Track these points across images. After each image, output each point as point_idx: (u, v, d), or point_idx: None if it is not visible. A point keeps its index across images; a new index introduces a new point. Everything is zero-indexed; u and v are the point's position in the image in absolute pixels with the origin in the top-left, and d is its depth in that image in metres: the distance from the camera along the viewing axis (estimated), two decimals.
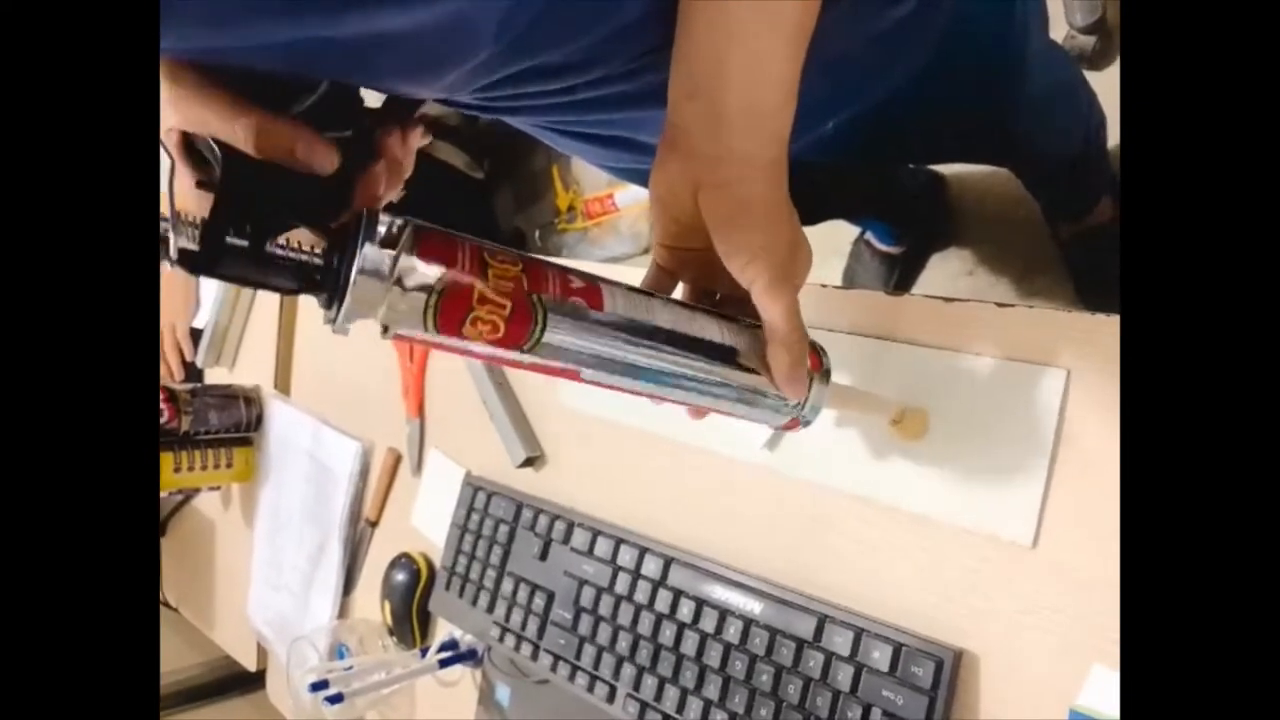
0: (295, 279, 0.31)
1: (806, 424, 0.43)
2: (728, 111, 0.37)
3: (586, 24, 0.39)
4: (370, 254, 0.30)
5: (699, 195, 0.39)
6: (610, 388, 0.38)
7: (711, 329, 0.39)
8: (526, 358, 0.34)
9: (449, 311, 0.31)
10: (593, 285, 0.35)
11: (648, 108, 0.46)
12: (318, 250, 0.32)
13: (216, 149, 0.32)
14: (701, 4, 0.36)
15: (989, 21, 0.60)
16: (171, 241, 0.30)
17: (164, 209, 0.30)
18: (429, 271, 0.31)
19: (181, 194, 0.34)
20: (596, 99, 0.46)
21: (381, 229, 0.31)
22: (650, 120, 0.49)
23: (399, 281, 0.30)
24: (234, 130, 0.32)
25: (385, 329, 0.32)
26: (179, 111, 0.33)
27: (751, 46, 0.36)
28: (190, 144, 0.33)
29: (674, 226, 0.42)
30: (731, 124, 0.37)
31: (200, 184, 0.32)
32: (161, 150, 0.32)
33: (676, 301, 0.40)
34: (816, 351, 0.43)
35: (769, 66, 0.37)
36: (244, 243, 0.30)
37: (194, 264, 0.30)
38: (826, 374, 0.42)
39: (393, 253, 0.31)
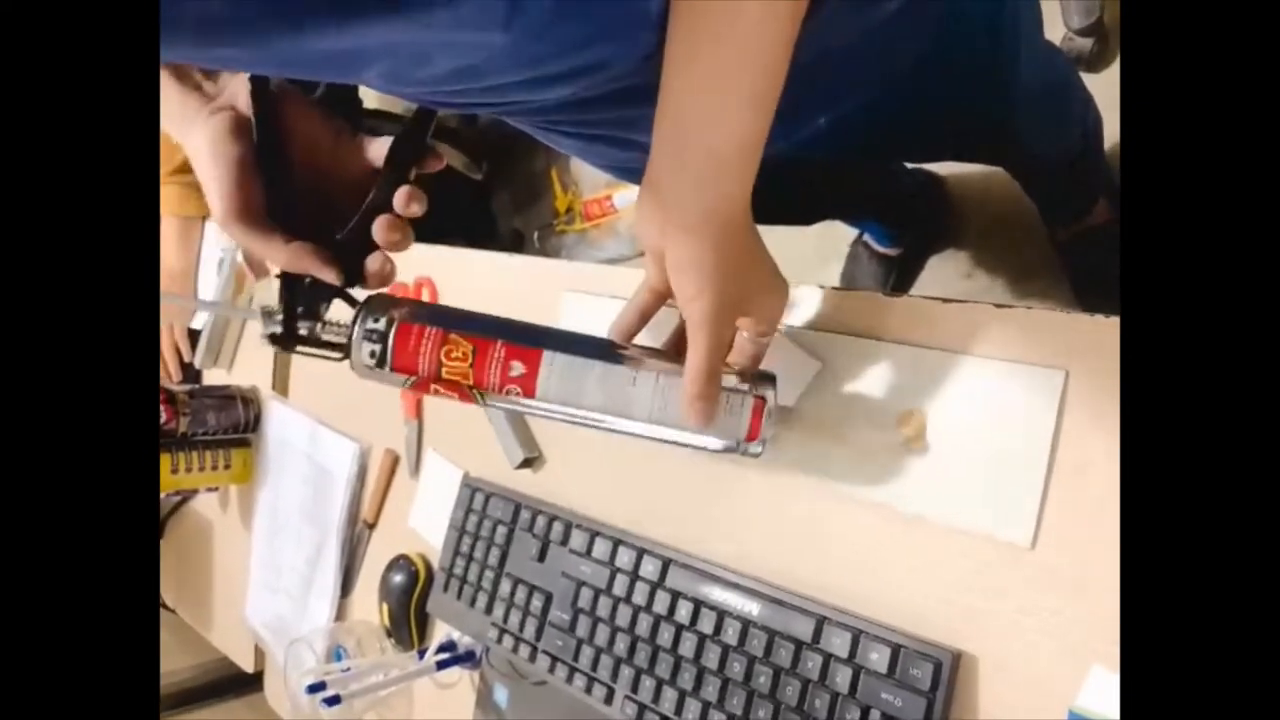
0: (340, 352, 0.47)
1: (754, 456, 0.47)
2: (689, 161, 0.39)
3: (593, 33, 0.39)
4: (356, 354, 0.46)
5: (662, 235, 0.42)
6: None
7: (646, 390, 0.46)
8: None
9: (420, 389, 0.47)
10: (528, 375, 0.45)
11: (640, 107, 0.46)
12: (339, 338, 0.47)
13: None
14: (673, 54, 0.37)
15: (981, 19, 0.60)
16: (261, 328, 0.47)
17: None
18: (399, 374, 0.46)
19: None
20: (593, 98, 0.46)
21: (372, 324, 0.46)
22: (643, 119, 0.50)
23: (382, 369, 0.46)
24: (273, 256, 0.45)
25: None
26: (234, 236, 0.45)
27: (711, 102, 0.37)
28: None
29: (652, 257, 0.45)
30: (691, 174, 0.39)
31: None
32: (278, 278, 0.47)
33: (620, 359, 0.46)
34: (764, 388, 0.47)
35: (727, 124, 0.38)
36: (306, 331, 0.47)
37: (278, 342, 0.47)
38: (770, 410, 0.46)
39: (376, 350, 0.46)
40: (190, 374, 1.09)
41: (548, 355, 0.46)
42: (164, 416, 0.91)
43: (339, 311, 0.48)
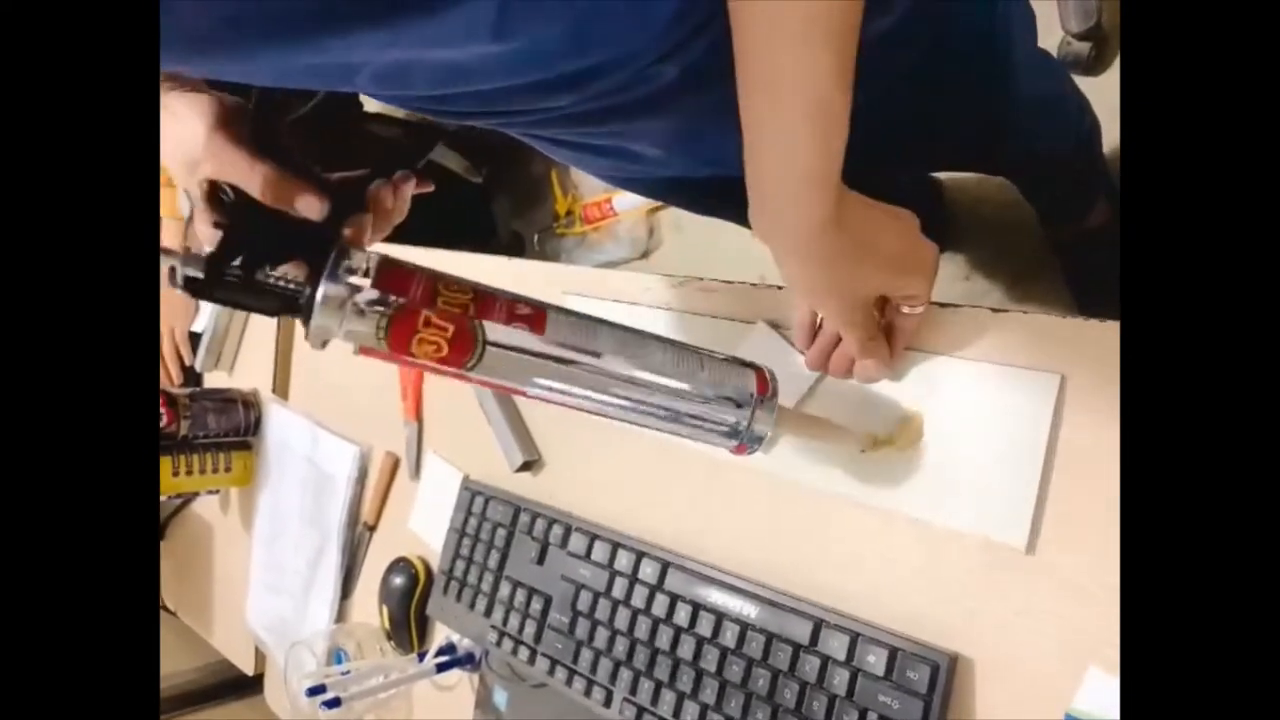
0: (277, 303, 0.38)
1: (753, 450, 0.45)
2: (766, 194, 0.41)
3: (586, 41, 0.40)
4: (329, 286, 0.36)
5: (776, 262, 0.44)
6: (557, 403, 0.42)
7: (657, 357, 0.42)
8: (472, 374, 0.39)
9: (398, 332, 0.37)
10: (539, 311, 0.40)
11: (637, 120, 0.47)
12: (299, 281, 0.37)
13: (232, 195, 0.40)
14: (742, 96, 0.39)
15: (974, 31, 0.60)
16: (178, 270, 0.36)
17: (177, 244, 0.36)
18: (384, 298, 0.37)
19: (199, 231, 0.41)
20: (591, 111, 0.47)
21: (354, 262, 0.37)
22: (641, 131, 0.50)
23: (357, 306, 0.37)
24: (252, 179, 0.40)
25: (355, 346, 0.38)
26: (213, 158, 0.40)
27: (774, 141, 0.39)
28: (214, 191, 0.40)
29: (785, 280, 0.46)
30: (769, 206, 0.41)
31: (216, 224, 0.38)
32: (186, 194, 0.39)
33: (627, 329, 0.42)
34: (765, 376, 0.45)
35: (793, 158, 0.39)
36: (239, 273, 0.37)
37: (195, 289, 0.36)
38: (773, 400, 0.44)
39: (352, 281, 0.37)
40: (191, 377, 1.09)
41: (554, 311, 0.41)
42: (164, 419, 0.91)
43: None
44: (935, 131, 0.67)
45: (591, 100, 0.46)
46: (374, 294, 0.37)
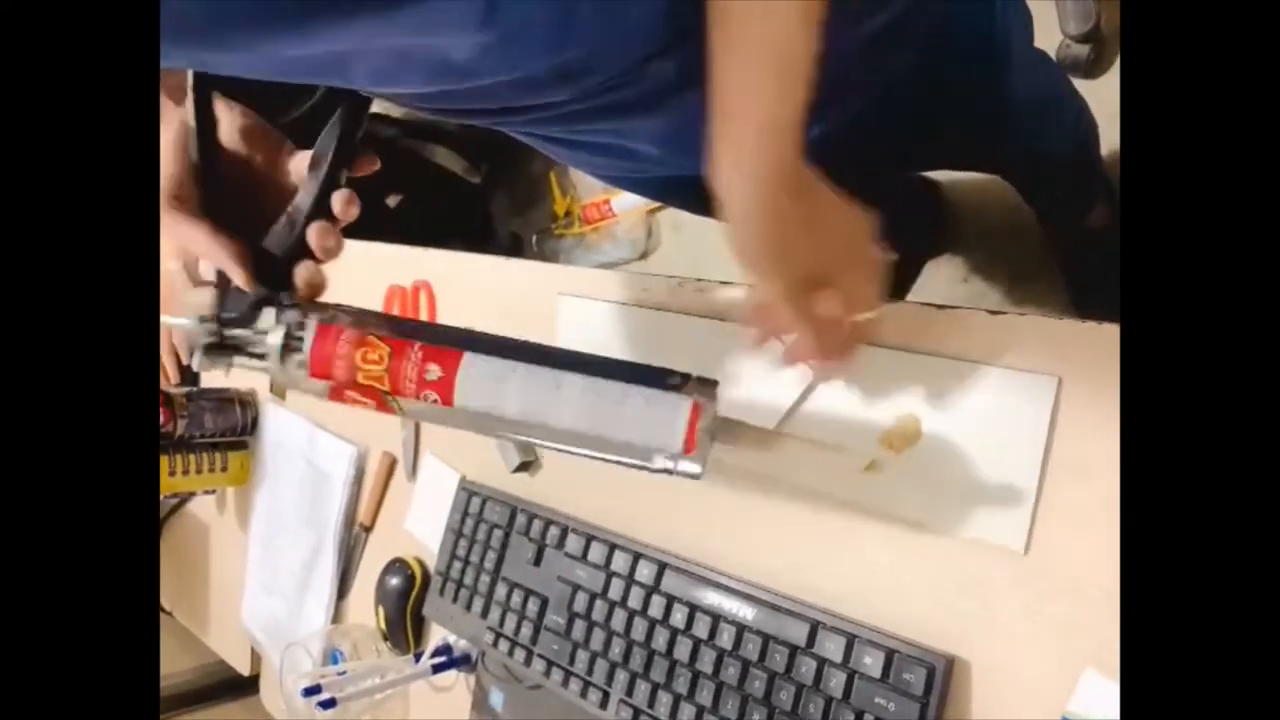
0: (262, 360, 0.44)
1: (692, 477, 0.43)
2: (723, 140, 0.40)
3: (574, 33, 0.39)
4: (274, 359, 0.43)
5: (727, 217, 0.42)
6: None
7: (571, 395, 0.41)
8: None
9: (335, 398, 0.44)
10: (446, 380, 0.42)
11: (634, 118, 0.47)
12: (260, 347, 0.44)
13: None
14: (711, 45, 0.39)
15: (970, 33, 0.60)
16: (197, 337, 0.43)
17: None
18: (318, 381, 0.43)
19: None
20: (588, 109, 0.47)
21: (290, 325, 0.43)
22: (638, 130, 0.50)
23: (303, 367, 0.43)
24: (201, 248, 0.43)
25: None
26: (194, 244, 0.43)
27: (740, 88, 0.39)
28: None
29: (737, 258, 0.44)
30: (725, 152, 0.40)
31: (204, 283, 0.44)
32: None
33: (542, 372, 0.42)
34: (704, 391, 0.42)
35: (757, 105, 0.39)
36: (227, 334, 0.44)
37: (211, 354, 0.44)
38: (709, 419, 0.41)
39: (292, 353, 0.43)
40: (188, 377, 1.09)
41: (468, 358, 0.42)
42: (161, 419, 0.91)
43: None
44: (934, 131, 0.67)
45: (587, 98, 0.46)
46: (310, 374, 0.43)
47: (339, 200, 0.45)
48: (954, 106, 0.64)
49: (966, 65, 0.61)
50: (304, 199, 0.44)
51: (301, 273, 0.44)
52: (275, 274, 0.44)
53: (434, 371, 0.42)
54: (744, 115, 0.39)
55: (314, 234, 0.44)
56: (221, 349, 0.44)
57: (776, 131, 0.39)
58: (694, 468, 0.41)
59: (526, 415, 0.42)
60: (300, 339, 0.43)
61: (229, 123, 0.45)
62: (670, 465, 0.42)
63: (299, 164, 0.46)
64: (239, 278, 0.43)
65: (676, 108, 0.49)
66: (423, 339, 0.43)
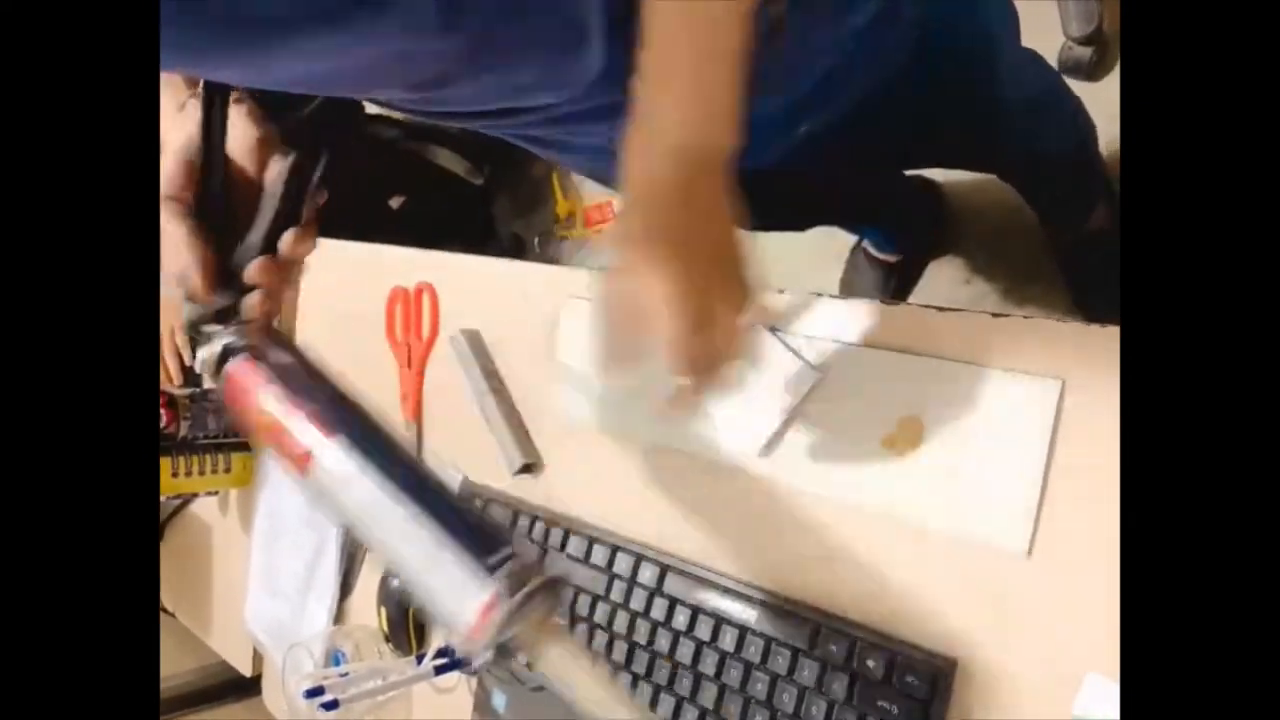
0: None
1: (466, 672, 0.43)
2: (647, 111, 0.39)
3: (531, 42, 0.40)
4: (210, 381, 0.46)
5: (628, 186, 0.40)
6: None
7: (392, 532, 0.40)
8: None
9: (239, 427, 0.49)
10: (307, 455, 0.42)
11: (623, 121, 0.47)
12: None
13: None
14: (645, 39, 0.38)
15: (951, 39, 0.60)
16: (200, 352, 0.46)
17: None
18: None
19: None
20: (571, 114, 0.47)
21: (211, 359, 0.45)
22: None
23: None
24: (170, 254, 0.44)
25: None
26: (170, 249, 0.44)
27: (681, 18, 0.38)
28: None
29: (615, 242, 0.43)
30: (645, 122, 0.39)
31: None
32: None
33: (399, 481, 0.41)
34: (511, 579, 0.38)
35: (699, 38, 0.38)
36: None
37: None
38: (505, 610, 0.37)
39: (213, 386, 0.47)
40: (191, 378, 1.09)
41: (332, 445, 0.42)
42: (164, 420, 0.91)
43: None
44: (925, 132, 0.67)
45: (577, 101, 0.46)
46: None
47: (288, 240, 0.44)
48: (942, 106, 0.64)
49: (952, 64, 0.61)
50: (256, 234, 0.45)
51: (249, 302, 0.45)
52: (232, 289, 0.45)
53: (305, 441, 0.42)
54: (672, 95, 0.38)
55: (254, 270, 0.44)
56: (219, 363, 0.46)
57: (714, 118, 0.38)
58: (471, 649, 0.38)
59: (358, 520, 0.42)
60: (229, 361, 0.44)
61: (241, 132, 0.45)
62: (455, 646, 0.41)
63: (272, 170, 0.46)
64: (195, 285, 0.44)
65: None
66: (309, 409, 0.43)
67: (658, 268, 0.39)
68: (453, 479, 0.74)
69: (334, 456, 0.42)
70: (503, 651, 0.38)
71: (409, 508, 0.40)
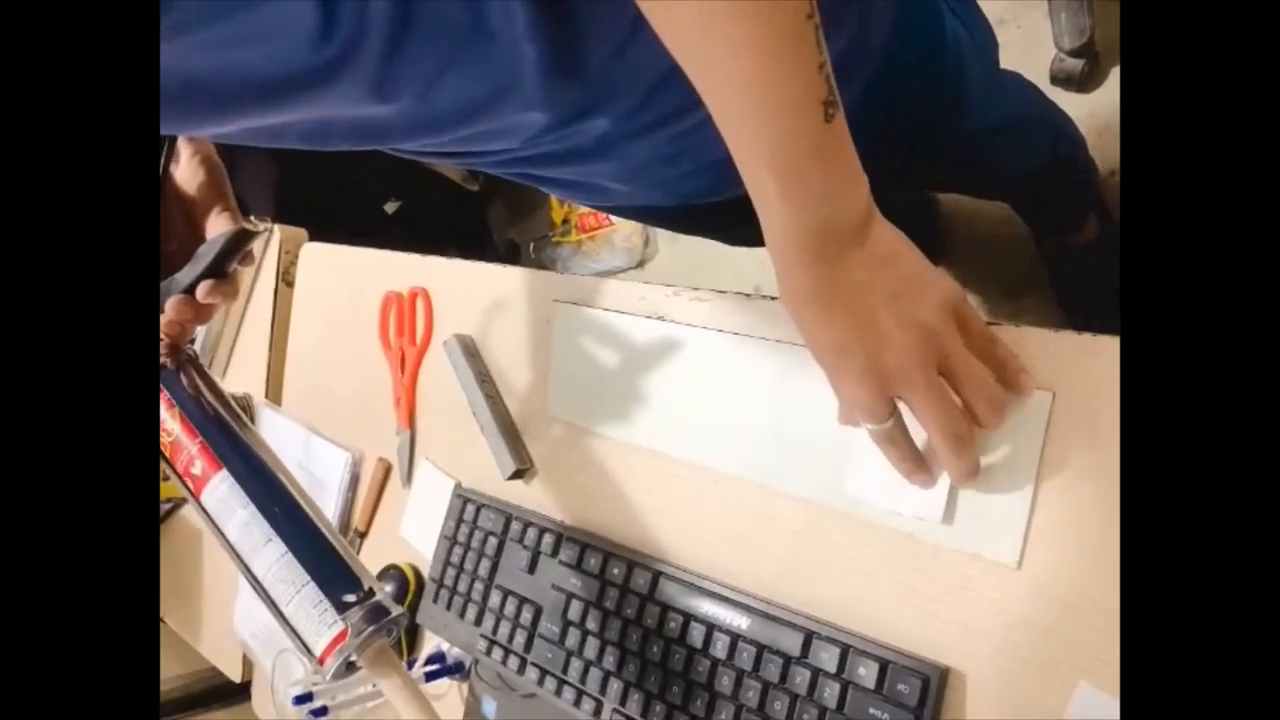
0: None
1: (315, 716, 0.53)
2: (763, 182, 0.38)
3: (475, 100, 0.41)
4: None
5: (787, 303, 0.42)
6: None
7: (270, 556, 0.47)
8: None
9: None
10: (201, 480, 0.49)
11: (589, 162, 0.48)
12: None
13: None
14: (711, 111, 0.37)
15: (916, 64, 0.58)
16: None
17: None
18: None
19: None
20: (535, 156, 0.48)
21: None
22: (597, 171, 0.51)
23: None
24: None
25: None
26: None
27: (746, 118, 0.37)
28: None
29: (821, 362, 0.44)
30: (771, 195, 0.38)
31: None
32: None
33: (275, 518, 0.48)
34: (365, 618, 0.46)
35: (768, 135, 0.37)
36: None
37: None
38: (351, 643, 0.45)
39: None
40: None
41: (220, 476, 0.48)
42: None
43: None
44: (890, 158, 0.67)
45: (530, 146, 0.47)
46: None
47: (206, 287, 0.48)
48: (908, 135, 0.63)
49: (914, 95, 0.60)
50: (184, 275, 0.49)
51: (161, 320, 0.49)
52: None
53: (197, 468, 0.49)
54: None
55: (171, 305, 0.49)
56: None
57: (806, 162, 0.37)
58: (317, 674, 0.48)
59: (237, 547, 0.48)
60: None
61: (186, 161, 0.49)
62: (305, 663, 0.49)
63: (215, 226, 0.50)
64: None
65: (627, 155, 0.49)
66: (201, 441, 0.49)
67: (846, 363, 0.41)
68: (446, 484, 0.74)
69: (219, 489, 0.48)
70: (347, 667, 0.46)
71: (278, 546, 0.47)
